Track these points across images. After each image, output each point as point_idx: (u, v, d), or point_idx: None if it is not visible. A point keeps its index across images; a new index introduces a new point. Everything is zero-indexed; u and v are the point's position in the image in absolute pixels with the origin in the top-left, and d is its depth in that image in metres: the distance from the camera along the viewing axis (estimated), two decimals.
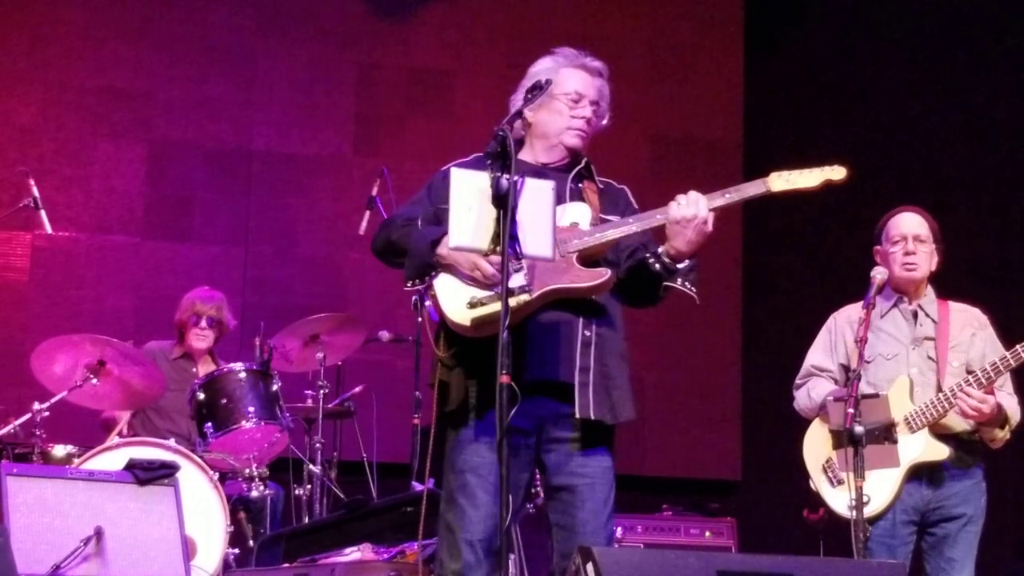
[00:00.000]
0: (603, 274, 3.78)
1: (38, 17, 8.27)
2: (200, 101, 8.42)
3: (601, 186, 4.06)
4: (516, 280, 3.68)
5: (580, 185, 3.98)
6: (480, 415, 3.79)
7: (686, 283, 3.85)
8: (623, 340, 3.95)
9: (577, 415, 3.75)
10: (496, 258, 3.59)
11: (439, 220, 3.88)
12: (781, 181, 3.85)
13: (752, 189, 3.85)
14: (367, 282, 8.03)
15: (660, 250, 3.82)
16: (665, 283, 3.85)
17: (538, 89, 3.86)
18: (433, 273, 3.80)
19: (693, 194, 3.80)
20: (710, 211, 3.78)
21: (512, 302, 3.59)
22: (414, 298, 3.98)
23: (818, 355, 5.13)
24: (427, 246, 3.79)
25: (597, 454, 3.85)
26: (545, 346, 3.77)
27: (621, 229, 3.83)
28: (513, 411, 3.41)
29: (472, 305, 3.73)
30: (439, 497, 3.91)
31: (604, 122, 4.09)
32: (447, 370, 3.83)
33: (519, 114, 3.82)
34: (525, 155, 3.97)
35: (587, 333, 3.80)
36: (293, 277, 8.35)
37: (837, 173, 3.89)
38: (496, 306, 3.64)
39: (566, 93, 3.98)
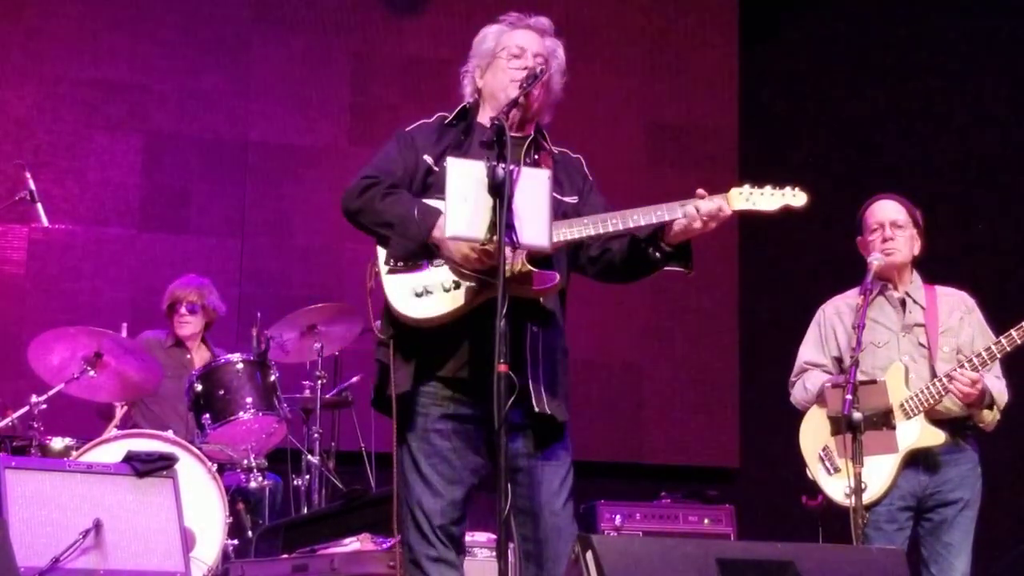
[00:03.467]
0: (552, 279, 3.74)
1: (33, 9, 8.25)
2: (195, 92, 8.40)
3: (556, 155, 3.98)
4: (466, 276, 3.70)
5: (536, 157, 3.90)
6: (425, 404, 3.79)
7: (690, 265, 3.84)
8: (564, 337, 3.93)
9: (536, 409, 3.73)
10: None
11: (407, 186, 3.84)
12: (741, 199, 3.81)
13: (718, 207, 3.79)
14: (364, 272, 8.01)
15: (660, 243, 3.79)
16: (665, 268, 3.85)
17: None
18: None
19: (703, 209, 3.71)
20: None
21: (457, 299, 3.66)
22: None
23: (809, 350, 5.14)
24: (424, 231, 3.70)
25: (551, 439, 3.84)
26: (488, 342, 3.61)
27: (577, 231, 3.75)
28: (510, 401, 3.41)
29: (418, 295, 3.72)
30: None
31: (558, 86, 3.98)
32: (391, 352, 3.79)
33: (515, 102, 3.76)
34: (483, 120, 3.92)
35: (534, 329, 3.78)
36: (290, 267, 8.35)
37: (798, 199, 3.84)
38: (442, 301, 3.67)
39: (506, 48, 3.94)
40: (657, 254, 3.81)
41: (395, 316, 3.77)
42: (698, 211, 3.70)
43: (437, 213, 3.69)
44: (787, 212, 3.86)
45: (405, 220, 3.74)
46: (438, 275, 3.73)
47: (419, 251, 3.74)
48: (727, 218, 3.76)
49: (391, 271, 3.77)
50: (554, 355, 3.84)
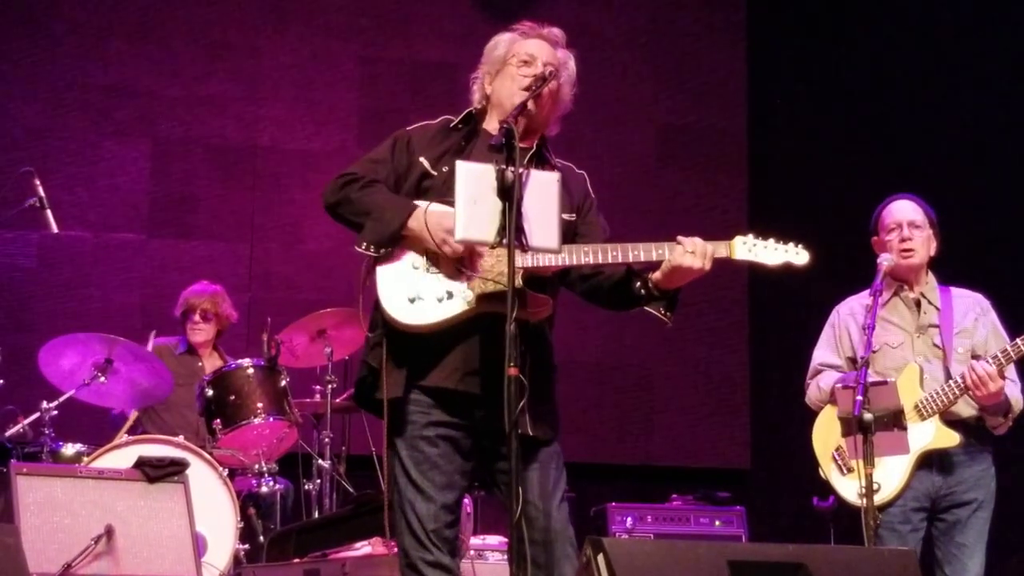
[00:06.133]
0: (544, 302, 3.75)
1: (41, 15, 8.27)
2: (203, 98, 8.42)
3: (559, 168, 3.94)
4: (460, 288, 3.71)
5: (540, 170, 3.85)
6: (412, 412, 3.80)
7: (668, 312, 3.83)
8: (552, 352, 3.93)
9: (519, 431, 3.68)
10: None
11: (397, 188, 3.86)
12: (744, 249, 3.81)
13: (715, 250, 3.79)
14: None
15: (649, 279, 3.79)
16: (644, 307, 3.85)
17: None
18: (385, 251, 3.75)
19: (700, 245, 3.72)
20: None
21: (448, 309, 3.67)
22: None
23: (823, 352, 5.13)
24: (400, 216, 3.72)
25: (541, 443, 3.84)
26: (476, 354, 3.73)
27: (575, 257, 3.74)
28: (521, 404, 3.41)
29: (411, 300, 3.72)
30: None
31: (567, 98, 3.97)
32: (383, 355, 3.79)
33: (523, 106, 3.74)
34: (488, 127, 3.93)
35: (522, 347, 3.68)
36: (299, 272, 8.36)
37: (800, 258, 3.87)
38: (433, 310, 3.68)
39: (516, 55, 3.93)
40: (642, 290, 3.80)
41: (385, 319, 3.77)
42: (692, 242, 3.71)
43: (415, 206, 3.72)
44: (788, 268, 3.86)
45: (383, 207, 3.77)
46: (431, 284, 3.73)
47: (394, 236, 3.73)
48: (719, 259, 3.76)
49: (375, 262, 3.75)
50: (540, 373, 3.81)
